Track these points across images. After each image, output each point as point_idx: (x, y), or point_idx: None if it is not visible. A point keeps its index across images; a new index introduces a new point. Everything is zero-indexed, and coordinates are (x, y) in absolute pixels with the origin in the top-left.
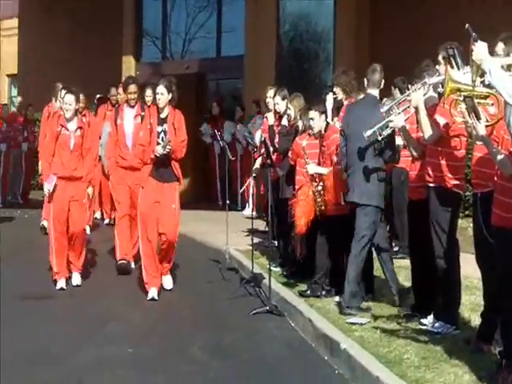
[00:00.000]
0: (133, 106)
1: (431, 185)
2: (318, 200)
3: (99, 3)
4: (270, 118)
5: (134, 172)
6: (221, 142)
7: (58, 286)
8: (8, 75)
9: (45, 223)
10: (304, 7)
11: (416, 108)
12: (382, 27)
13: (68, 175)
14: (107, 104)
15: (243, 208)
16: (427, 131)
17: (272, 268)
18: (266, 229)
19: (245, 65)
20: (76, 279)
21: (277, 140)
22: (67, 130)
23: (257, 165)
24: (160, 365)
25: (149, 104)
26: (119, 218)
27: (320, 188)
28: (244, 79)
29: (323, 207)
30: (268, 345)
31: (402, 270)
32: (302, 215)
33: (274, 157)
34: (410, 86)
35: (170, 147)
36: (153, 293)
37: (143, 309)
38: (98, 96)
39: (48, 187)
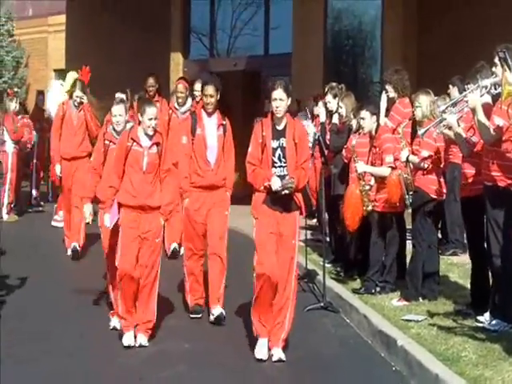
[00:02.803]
0: (211, 113)
1: (487, 183)
2: (365, 200)
3: (147, 0)
4: (322, 116)
5: (214, 191)
6: None
7: (125, 342)
8: (55, 70)
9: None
10: (351, 3)
11: (473, 109)
12: (431, 25)
13: (140, 204)
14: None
15: None
16: (485, 132)
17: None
18: (317, 224)
19: (292, 62)
20: (143, 340)
21: (328, 137)
22: (140, 146)
23: None
24: (217, 360)
25: (197, 100)
26: (188, 256)
27: (367, 188)
28: (292, 77)
29: (370, 207)
30: (324, 341)
31: (454, 267)
32: (351, 213)
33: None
34: (466, 86)
35: (291, 186)
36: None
37: None
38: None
39: (109, 220)
